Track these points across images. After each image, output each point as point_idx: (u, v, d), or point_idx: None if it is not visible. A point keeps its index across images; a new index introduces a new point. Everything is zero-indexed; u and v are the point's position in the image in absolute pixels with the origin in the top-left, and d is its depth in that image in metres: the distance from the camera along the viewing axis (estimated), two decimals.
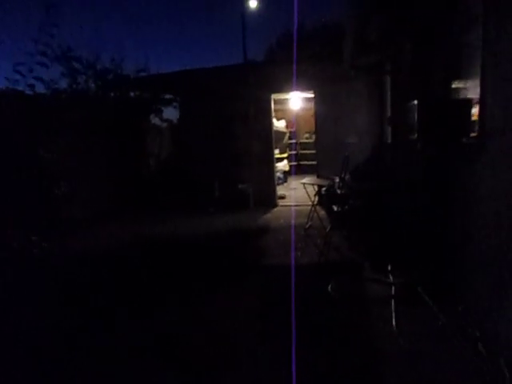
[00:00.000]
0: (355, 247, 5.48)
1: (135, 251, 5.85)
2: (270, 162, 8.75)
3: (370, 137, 8.03)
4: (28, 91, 6.02)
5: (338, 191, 6.75)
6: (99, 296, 4.14)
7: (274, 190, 8.81)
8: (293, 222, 7.08)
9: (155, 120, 11.12)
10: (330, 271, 4.60)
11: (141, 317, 3.63)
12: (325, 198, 7.45)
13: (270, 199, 8.71)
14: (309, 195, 6.73)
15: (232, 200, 8.55)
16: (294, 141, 13.91)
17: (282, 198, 9.32)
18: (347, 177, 7.61)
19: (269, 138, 8.59)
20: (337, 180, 7.35)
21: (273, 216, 7.71)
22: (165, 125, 11.41)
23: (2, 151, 5.92)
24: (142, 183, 9.45)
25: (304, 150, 14.29)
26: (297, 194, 10.17)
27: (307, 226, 6.59)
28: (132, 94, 10.44)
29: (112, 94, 9.95)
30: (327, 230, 5.90)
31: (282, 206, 8.75)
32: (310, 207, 6.80)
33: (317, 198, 7.21)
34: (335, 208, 6.71)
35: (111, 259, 5.52)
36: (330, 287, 4.16)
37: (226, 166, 8.85)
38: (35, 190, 5.84)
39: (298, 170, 14.29)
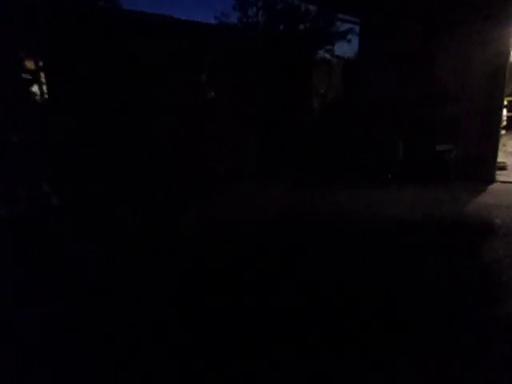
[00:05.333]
0: None
1: (272, 235, 4.12)
2: (494, 112, 5.65)
3: None
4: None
5: None
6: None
7: (495, 157, 5.78)
8: None
9: (325, 55, 9.12)
10: None
11: None
12: None
13: (484, 170, 5.76)
14: None
15: (423, 166, 5.97)
16: None
17: (502, 168, 6.19)
18: None
19: (497, 74, 5.43)
20: None
21: (492, 199, 4.90)
22: (335, 61, 9.23)
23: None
24: (301, 132, 7.63)
25: None
26: None
27: None
28: (302, 26, 9.02)
29: (281, 27, 8.79)
30: None
31: (502, 181, 5.73)
32: None
33: None
34: None
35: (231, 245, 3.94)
36: None
37: (417, 117, 6.17)
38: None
39: (509, 125, 10.27)
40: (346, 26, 8.92)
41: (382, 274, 3.18)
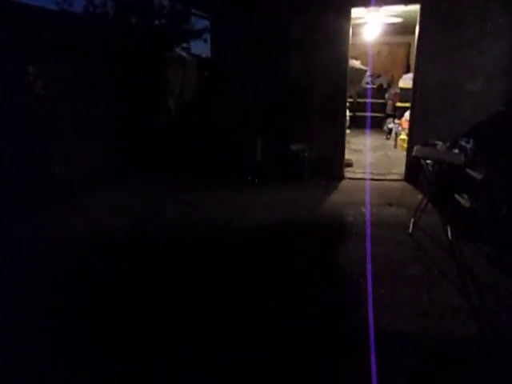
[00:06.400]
0: None
1: (120, 254, 3.50)
2: (340, 113, 6.00)
3: (507, 83, 5.16)
4: None
5: (474, 173, 4.06)
6: None
7: (342, 155, 6.14)
8: (372, 211, 4.49)
9: (181, 52, 8.64)
10: None
11: None
12: (432, 175, 4.72)
13: (334, 168, 6.07)
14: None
15: (280, 165, 5.98)
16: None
17: (349, 165, 6.65)
18: (469, 146, 4.86)
19: (340, 77, 5.74)
20: (468, 147, 4.63)
21: (343, 197, 5.13)
22: (192, 59, 8.81)
23: None
24: (156, 133, 6.96)
25: (360, 98, 11.54)
26: (364, 158, 7.48)
27: (411, 226, 4.00)
28: (157, 21, 8.40)
29: (133, 21, 7.97)
30: (450, 237, 3.47)
31: (350, 178, 6.12)
32: (396, 183, 4.32)
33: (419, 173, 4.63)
34: (463, 201, 4.07)
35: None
36: None
37: (272, 117, 6.15)
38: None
39: (351, 124, 11.62)
40: (201, 24, 8.58)
41: (231, 277, 2.85)
